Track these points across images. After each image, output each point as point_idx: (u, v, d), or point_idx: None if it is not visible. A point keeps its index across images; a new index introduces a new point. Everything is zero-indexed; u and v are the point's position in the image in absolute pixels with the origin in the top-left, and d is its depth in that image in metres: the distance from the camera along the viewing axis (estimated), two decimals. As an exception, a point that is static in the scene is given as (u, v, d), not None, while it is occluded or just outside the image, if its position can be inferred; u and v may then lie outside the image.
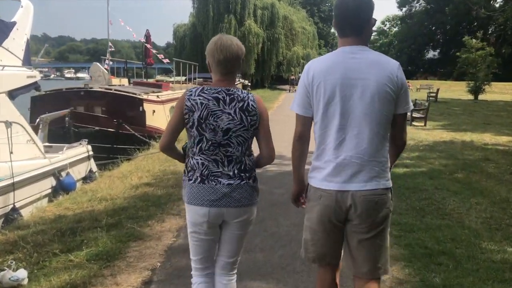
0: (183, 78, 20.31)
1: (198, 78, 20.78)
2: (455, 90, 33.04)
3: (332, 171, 1.92)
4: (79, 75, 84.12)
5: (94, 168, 7.84)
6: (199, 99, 2.04)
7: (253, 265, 3.33)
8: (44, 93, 11.64)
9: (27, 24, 6.65)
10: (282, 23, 38.20)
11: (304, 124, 2.02)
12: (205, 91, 2.06)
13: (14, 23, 6.33)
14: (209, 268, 2.27)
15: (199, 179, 2.08)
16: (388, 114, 1.92)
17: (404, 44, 58.90)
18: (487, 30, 43.54)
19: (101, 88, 11.87)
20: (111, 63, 16.90)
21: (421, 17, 57.64)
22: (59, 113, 8.74)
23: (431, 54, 63.22)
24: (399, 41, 61.52)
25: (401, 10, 63.22)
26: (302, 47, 42.17)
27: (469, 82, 26.71)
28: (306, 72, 1.98)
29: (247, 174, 2.12)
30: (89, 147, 7.68)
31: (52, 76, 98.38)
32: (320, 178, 1.97)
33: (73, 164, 6.87)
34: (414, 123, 13.11)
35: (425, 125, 13.01)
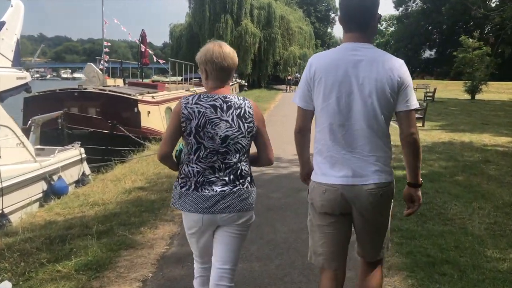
0: (179, 78, 20.16)
1: (194, 78, 20.65)
2: (451, 90, 33.00)
3: (333, 166, 1.96)
4: (76, 75, 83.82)
5: (87, 171, 7.69)
6: (196, 107, 2.04)
7: (249, 275, 3.19)
8: (37, 94, 11.47)
9: (17, 24, 6.50)
10: (279, 22, 38.13)
11: (304, 117, 2.08)
12: (202, 99, 2.06)
13: (3, 23, 6.18)
14: (207, 262, 2.31)
15: (193, 186, 2.09)
16: (388, 111, 1.95)
17: (400, 44, 58.87)
18: (484, 29, 43.58)
19: (95, 89, 11.72)
20: (106, 63, 16.71)
21: (417, 17, 57.64)
22: (52, 115, 8.58)
23: (428, 53, 63.29)
24: (395, 40, 61.51)
25: (398, 10, 63.24)
26: (299, 47, 42.12)
27: (466, 81, 26.67)
28: (309, 67, 2.01)
29: (241, 180, 2.13)
30: (82, 149, 7.52)
31: (48, 76, 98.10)
32: (322, 173, 2.00)
33: (65, 167, 6.71)
34: (412, 123, 12.98)
35: (423, 125, 12.90)
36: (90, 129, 10.27)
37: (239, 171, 2.11)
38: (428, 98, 22.94)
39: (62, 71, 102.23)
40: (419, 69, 59.81)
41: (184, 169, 2.12)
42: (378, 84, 1.89)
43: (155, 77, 35.01)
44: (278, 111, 17.89)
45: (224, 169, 2.09)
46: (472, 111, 18.13)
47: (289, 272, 3.23)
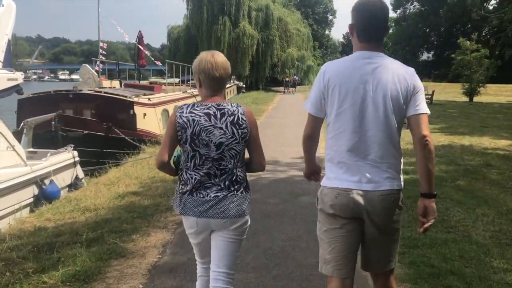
0: (177, 80, 20.01)
1: (191, 80, 20.50)
2: (449, 92, 32.98)
3: (346, 172, 1.98)
4: (74, 76, 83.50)
5: (81, 175, 7.52)
6: (191, 116, 2.10)
7: (245, 287, 3.04)
8: (31, 96, 11.31)
9: (9, 24, 6.34)
10: (277, 24, 38.08)
11: (315, 123, 2.09)
12: (196, 108, 2.13)
13: (-7, 23, 6.01)
14: (208, 263, 2.32)
15: (189, 191, 2.16)
16: (400, 118, 1.98)
17: (398, 46, 58.95)
18: (481, 32, 43.65)
19: (91, 90, 11.54)
20: (101, 65, 16.55)
21: (415, 19, 57.70)
22: (45, 117, 8.42)
23: (425, 56, 63.40)
24: (393, 43, 61.55)
25: (396, 12, 63.29)
26: (297, 48, 42.08)
27: (464, 84, 26.65)
28: (322, 74, 2.03)
29: (236, 186, 2.17)
30: (75, 152, 7.35)
31: (46, 77, 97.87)
32: (335, 178, 2.01)
33: (57, 171, 6.54)
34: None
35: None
36: (85, 132, 10.12)
37: (234, 176, 2.16)
38: (426, 100, 22.79)
39: (60, 73, 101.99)
40: (416, 71, 59.11)
41: (183, 175, 2.19)
42: (391, 92, 1.93)
43: (153, 79, 34.88)
44: (276, 113, 17.75)
45: (220, 175, 2.14)
46: (470, 113, 18.04)
47: (287, 284, 3.08)
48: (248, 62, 35.20)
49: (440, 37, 58.65)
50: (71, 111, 10.80)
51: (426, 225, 1.95)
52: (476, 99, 26.27)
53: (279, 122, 14.10)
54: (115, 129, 10.40)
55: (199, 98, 2.32)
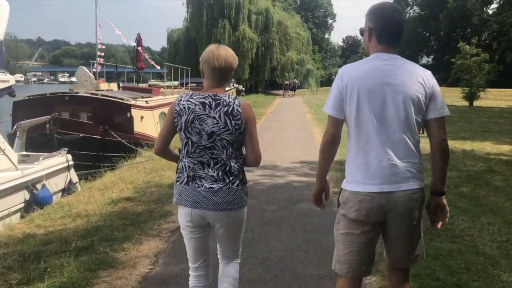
0: (176, 82, 19.86)
1: (191, 83, 20.36)
2: (449, 96, 32.78)
3: (368, 174, 1.97)
4: (73, 79, 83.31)
5: (75, 179, 7.34)
6: (187, 103, 2.14)
7: (240, 302, 2.87)
8: (27, 98, 11.16)
9: (1, 25, 6.18)
10: (277, 28, 38.00)
11: (336, 125, 2.07)
12: (194, 97, 2.17)
13: (-15, 24, 5.87)
14: (199, 270, 2.31)
15: (185, 180, 2.18)
16: (420, 119, 2.02)
17: (398, 50, 58.07)
18: (481, 36, 43.61)
19: (87, 93, 11.38)
20: (99, 67, 16.41)
21: (415, 23, 57.68)
22: (39, 120, 8.27)
23: (425, 60, 63.30)
24: (393, 47, 61.65)
25: (395, 16, 63.42)
26: (296, 52, 41.96)
27: (464, 88, 26.53)
28: (340, 77, 2.05)
29: (231, 178, 2.16)
30: (69, 156, 7.18)
31: (46, 80, 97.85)
32: (358, 181, 2.00)
33: (49, 175, 6.37)
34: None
35: (422, 132, 12.62)
36: (81, 135, 9.95)
37: (227, 167, 2.16)
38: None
39: (60, 75, 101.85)
40: (416, 76, 59.78)
41: (180, 163, 2.22)
42: (411, 92, 1.96)
43: (152, 82, 34.70)
44: (275, 117, 17.59)
45: (213, 164, 2.15)
46: (471, 118, 17.89)
47: (284, 298, 2.92)
48: (247, 66, 35.08)
49: (440, 41, 58.68)
50: (67, 113, 10.64)
51: (441, 221, 2.11)
52: (476, 103, 26.15)
53: (278, 125, 13.94)
54: (112, 132, 10.24)
55: None
